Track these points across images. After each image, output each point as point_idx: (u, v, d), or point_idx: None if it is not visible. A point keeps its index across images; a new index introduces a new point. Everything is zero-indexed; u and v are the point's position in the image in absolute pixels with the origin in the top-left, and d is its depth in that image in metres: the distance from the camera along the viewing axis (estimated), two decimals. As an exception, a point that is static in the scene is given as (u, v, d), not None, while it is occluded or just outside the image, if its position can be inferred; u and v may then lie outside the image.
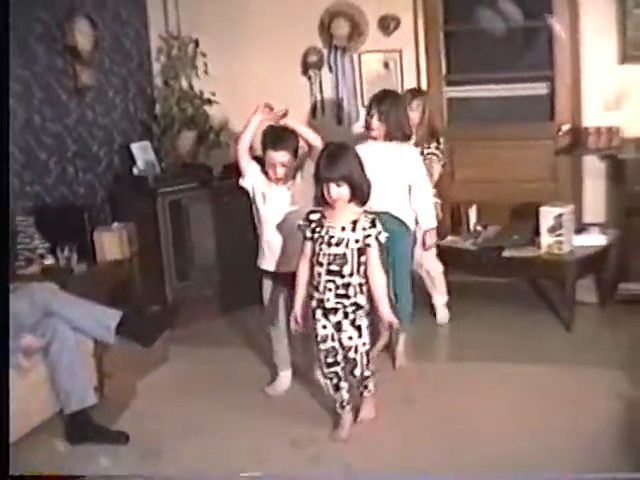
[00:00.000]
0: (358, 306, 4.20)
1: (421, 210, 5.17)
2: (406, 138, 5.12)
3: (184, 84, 7.05)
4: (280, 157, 4.64)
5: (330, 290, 4.17)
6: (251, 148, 4.85)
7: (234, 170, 6.12)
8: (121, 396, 4.93)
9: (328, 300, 4.19)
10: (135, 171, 6.52)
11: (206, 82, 6.99)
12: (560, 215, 5.80)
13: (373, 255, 4.16)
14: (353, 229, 4.10)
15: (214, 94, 6.85)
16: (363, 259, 4.15)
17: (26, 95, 5.77)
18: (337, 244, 4.11)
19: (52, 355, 4.41)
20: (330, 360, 4.33)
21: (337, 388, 4.38)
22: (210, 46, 6.99)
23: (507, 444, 4.20)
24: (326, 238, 4.13)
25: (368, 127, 5.14)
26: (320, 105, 6.96)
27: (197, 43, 7.01)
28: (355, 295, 4.18)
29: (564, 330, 5.79)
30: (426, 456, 4.15)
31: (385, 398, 4.66)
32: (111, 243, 5.82)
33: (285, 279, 4.74)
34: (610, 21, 6.24)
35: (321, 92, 6.92)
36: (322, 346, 4.32)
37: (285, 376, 5.09)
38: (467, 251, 6.22)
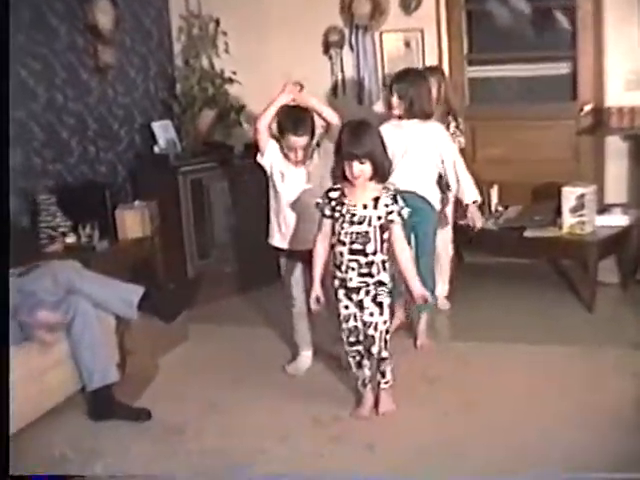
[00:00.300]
0: (381, 283, 4.16)
1: (463, 184, 5.10)
2: (427, 116, 5.06)
3: (205, 63, 7.03)
4: (301, 141, 4.63)
5: (353, 269, 4.14)
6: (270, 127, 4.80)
7: (255, 149, 6.12)
8: (143, 373, 4.93)
9: (351, 280, 4.16)
10: (156, 150, 6.51)
11: (227, 61, 6.97)
12: (582, 195, 5.75)
13: (397, 231, 4.13)
14: (375, 206, 4.06)
15: (235, 73, 6.82)
16: (386, 236, 4.11)
17: (47, 74, 5.76)
18: (359, 222, 4.07)
19: (74, 332, 4.40)
20: (352, 339, 4.30)
21: (360, 365, 4.36)
22: (231, 25, 6.95)
23: (528, 423, 4.19)
24: (347, 217, 4.08)
25: (389, 106, 5.12)
26: (341, 84, 6.91)
27: (218, 22, 6.97)
28: (378, 273, 4.14)
29: (585, 311, 5.75)
30: (448, 436, 4.12)
31: (407, 376, 4.65)
32: (133, 221, 5.83)
33: (300, 257, 4.74)
34: (632, 2, 6.16)
35: (342, 71, 6.88)
36: (344, 325, 4.29)
37: (306, 355, 5.07)
38: (488, 231, 6.15)
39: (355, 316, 4.25)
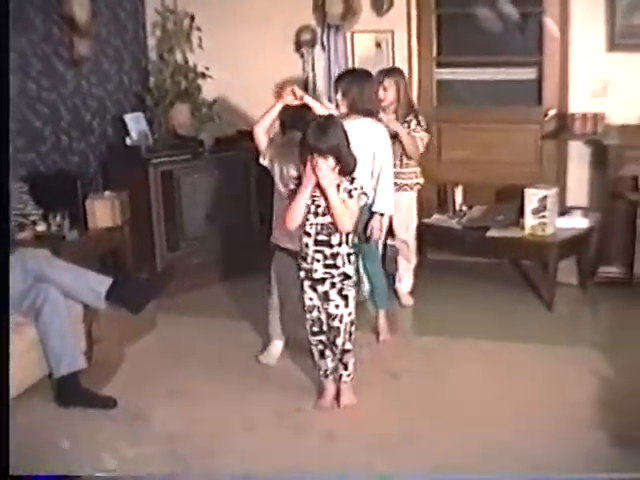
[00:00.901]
0: (346, 276, 4.18)
1: (380, 190, 5.02)
2: (369, 113, 5.05)
3: (179, 58, 7.02)
4: None
5: (318, 261, 4.16)
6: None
7: (225, 143, 6.08)
8: (110, 361, 4.93)
9: (316, 271, 4.18)
10: (128, 141, 6.47)
11: (200, 56, 6.97)
12: (544, 197, 5.79)
13: (351, 203, 4.08)
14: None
15: (208, 68, 6.83)
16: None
17: (22, 64, 5.73)
18: (323, 214, 4.09)
19: (43, 319, 4.39)
20: (315, 329, 4.33)
21: (322, 355, 4.38)
22: (205, 21, 6.94)
23: (487, 415, 4.26)
24: (312, 207, 4.10)
25: (336, 104, 5.13)
26: (312, 83, 6.90)
27: (193, 18, 6.97)
28: (344, 265, 4.16)
29: (545, 309, 5.81)
30: (408, 427, 4.16)
31: (369, 370, 4.70)
32: (103, 211, 5.79)
33: (291, 254, 4.72)
34: (599, 9, 6.21)
35: (313, 70, 6.87)
36: (308, 316, 4.32)
37: (277, 344, 5.08)
38: (452, 230, 6.23)
39: (319, 308, 4.27)
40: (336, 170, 4.04)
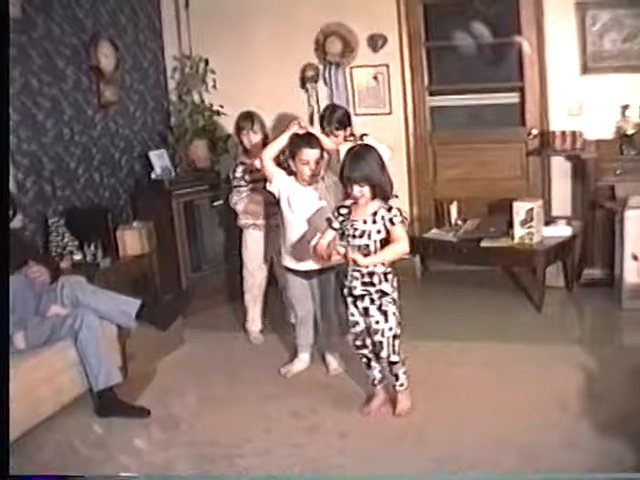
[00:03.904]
0: (383, 293, 4.17)
1: None
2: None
3: (196, 98, 7.09)
4: (315, 154, 4.61)
5: (357, 279, 4.17)
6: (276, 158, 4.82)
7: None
8: (143, 375, 5.00)
9: (355, 288, 4.19)
10: (153, 176, 6.52)
11: (215, 96, 7.03)
12: (531, 209, 5.84)
13: (397, 229, 4.06)
14: (374, 221, 4.06)
15: (222, 106, 6.88)
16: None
17: (56, 111, 5.80)
18: (360, 236, 4.08)
19: (81, 341, 4.46)
20: (359, 343, 4.35)
21: (369, 366, 4.39)
22: (218, 64, 7.02)
23: (484, 410, 4.29)
24: (351, 231, 4.11)
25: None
26: (317, 115, 6.92)
27: (207, 62, 7.04)
28: (380, 283, 4.15)
29: (535, 311, 5.84)
30: (412, 425, 4.20)
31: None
32: (132, 240, 5.86)
33: (304, 274, 4.80)
34: (572, 37, 6.26)
35: (317, 103, 6.91)
36: (352, 330, 4.34)
37: (303, 359, 5.07)
38: (449, 242, 6.26)
39: (359, 322, 4.27)
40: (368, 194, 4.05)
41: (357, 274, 4.16)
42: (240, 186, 5.42)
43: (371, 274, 4.13)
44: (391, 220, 4.05)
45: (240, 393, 4.76)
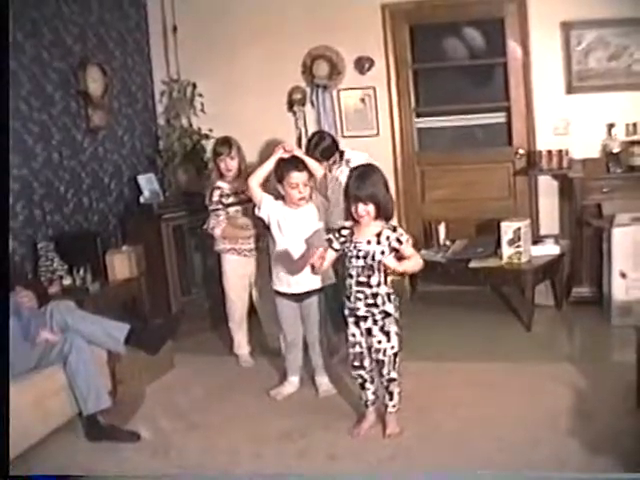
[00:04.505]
0: (387, 314, 4.16)
1: None
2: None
3: (184, 122, 7.11)
4: (303, 177, 4.62)
5: (360, 300, 4.15)
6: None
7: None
8: (132, 399, 4.97)
9: (359, 309, 4.17)
10: (142, 200, 6.55)
11: (203, 119, 7.06)
12: (518, 229, 5.85)
13: (406, 248, 4.10)
14: (378, 242, 4.05)
15: (211, 130, 6.89)
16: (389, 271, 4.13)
17: (45, 136, 5.80)
18: (364, 257, 4.07)
19: (71, 365, 4.44)
20: (357, 364, 4.31)
21: (363, 387, 4.36)
22: (206, 88, 7.05)
23: (474, 427, 4.28)
24: (354, 252, 4.09)
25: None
26: (305, 137, 6.95)
27: (195, 86, 7.07)
28: (383, 304, 4.14)
29: (525, 330, 5.84)
30: (402, 446, 4.18)
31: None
32: (121, 264, 5.84)
33: (293, 297, 4.79)
34: (557, 57, 6.34)
35: (305, 126, 6.95)
36: (350, 350, 4.30)
37: (293, 381, 5.04)
38: (437, 263, 6.25)
39: (361, 344, 4.24)
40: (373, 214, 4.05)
41: (361, 295, 4.14)
42: (217, 210, 5.42)
43: (375, 295, 4.13)
44: (398, 240, 4.06)
45: (230, 417, 4.73)
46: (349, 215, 4.12)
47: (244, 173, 5.36)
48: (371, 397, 4.39)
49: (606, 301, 5.82)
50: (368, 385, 4.35)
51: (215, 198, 5.41)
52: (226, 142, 5.47)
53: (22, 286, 4.63)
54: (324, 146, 5.41)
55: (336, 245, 4.17)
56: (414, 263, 4.14)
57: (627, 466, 3.64)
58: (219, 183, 5.46)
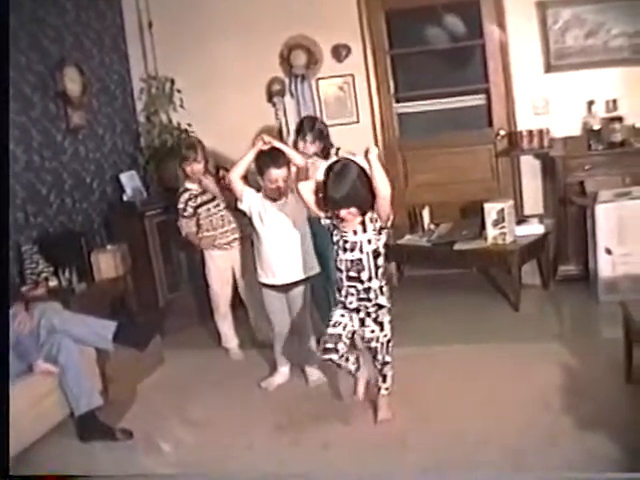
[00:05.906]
0: (380, 306, 4.13)
1: None
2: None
3: (164, 118, 7.10)
4: (282, 173, 4.61)
5: (352, 295, 4.09)
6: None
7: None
8: (124, 397, 4.96)
9: (351, 303, 4.11)
10: (125, 198, 6.54)
11: (183, 115, 7.04)
12: (502, 210, 5.85)
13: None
14: (364, 230, 3.99)
15: (190, 125, 6.90)
16: (380, 262, 4.05)
17: (25, 138, 5.77)
18: (352, 249, 4.01)
19: (60, 366, 4.44)
20: (330, 346, 4.06)
21: (339, 367, 4.17)
22: (184, 83, 7.03)
23: (465, 409, 4.29)
24: (341, 243, 4.03)
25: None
26: (285, 128, 6.96)
27: (173, 82, 7.06)
28: (376, 297, 4.09)
29: (513, 310, 5.84)
30: (395, 432, 4.17)
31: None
32: (107, 263, 5.84)
33: (280, 288, 4.78)
34: (534, 36, 6.33)
35: (285, 116, 6.94)
36: (330, 330, 4.08)
37: (283, 372, 5.05)
38: (422, 247, 6.27)
39: (345, 326, 4.09)
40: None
41: (353, 290, 4.09)
42: (185, 211, 5.44)
43: (367, 290, 4.07)
44: (379, 231, 4.02)
45: (221, 410, 4.73)
46: (333, 215, 4.04)
47: (210, 171, 5.48)
48: (352, 367, 4.27)
49: (592, 278, 5.84)
50: (344, 364, 4.16)
51: (181, 205, 5.44)
52: (192, 146, 5.47)
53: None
54: (319, 127, 5.38)
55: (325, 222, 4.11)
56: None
57: (617, 441, 3.65)
58: (187, 185, 5.47)
